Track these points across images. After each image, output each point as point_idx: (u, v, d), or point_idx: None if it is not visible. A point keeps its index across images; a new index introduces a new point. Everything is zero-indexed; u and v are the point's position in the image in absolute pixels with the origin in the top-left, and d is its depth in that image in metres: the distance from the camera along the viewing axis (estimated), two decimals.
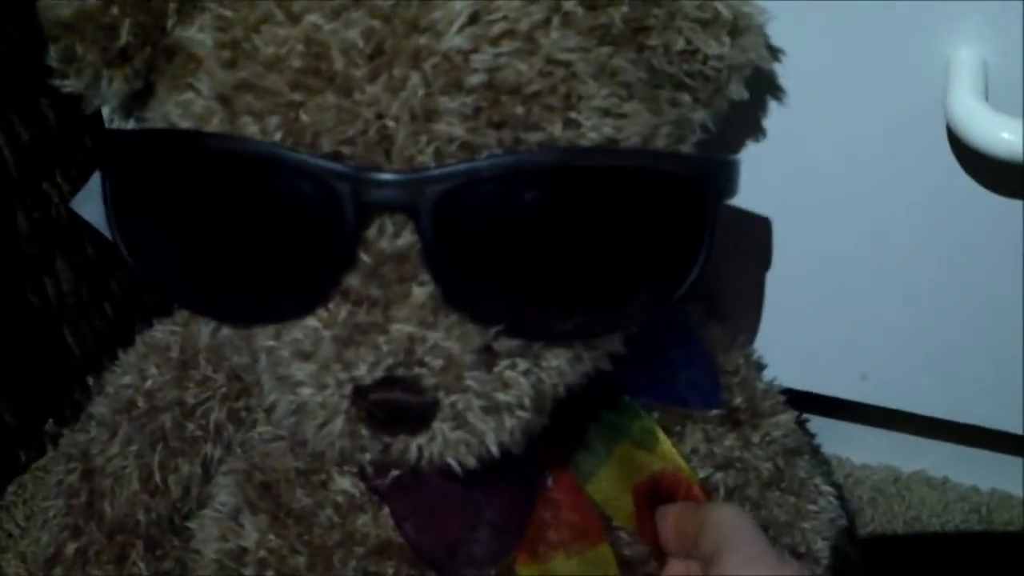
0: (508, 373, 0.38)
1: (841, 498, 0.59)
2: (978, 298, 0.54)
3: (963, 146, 0.44)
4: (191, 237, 0.39)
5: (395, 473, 0.44)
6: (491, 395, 0.38)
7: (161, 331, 0.54)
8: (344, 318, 0.37)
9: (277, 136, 0.36)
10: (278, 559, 0.47)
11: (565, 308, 0.39)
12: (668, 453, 0.49)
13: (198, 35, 0.38)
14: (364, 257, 0.37)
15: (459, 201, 0.36)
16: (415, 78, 0.36)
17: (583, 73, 0.38)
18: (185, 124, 0.38)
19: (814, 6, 0.45)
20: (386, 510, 0.46)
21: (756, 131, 0.51)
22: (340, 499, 0.47)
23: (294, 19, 0.37)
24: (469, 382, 0.37)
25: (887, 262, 0.54)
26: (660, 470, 0.48)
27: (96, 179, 0.72)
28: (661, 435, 0.49)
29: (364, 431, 0.38)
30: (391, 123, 0.36)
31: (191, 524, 0.52)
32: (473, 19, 0.36)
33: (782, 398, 0.56)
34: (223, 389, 0.51)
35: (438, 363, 0.37)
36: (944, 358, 0.58)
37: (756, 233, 0.56)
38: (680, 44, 0.40)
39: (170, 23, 0.39)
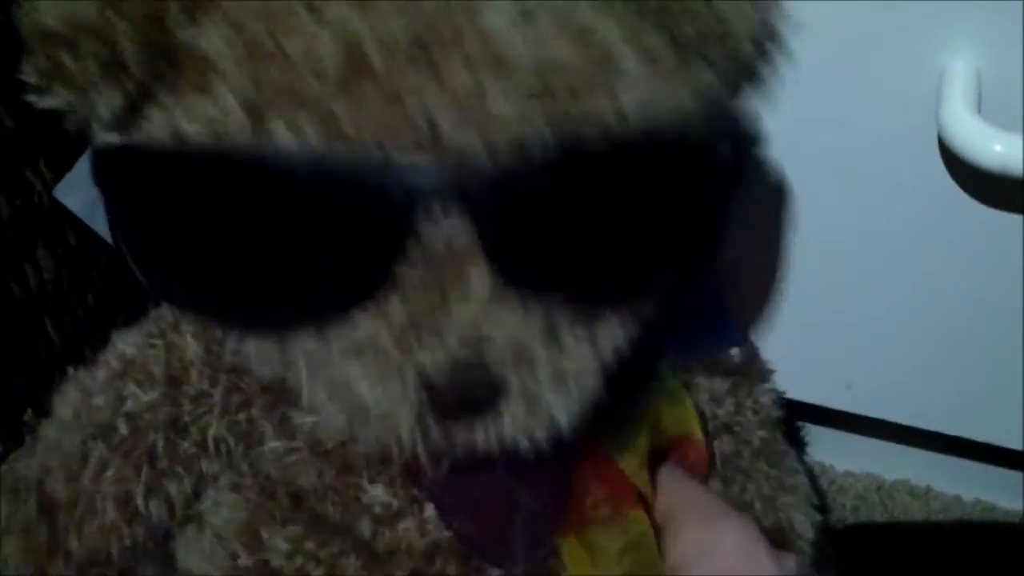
0: (571, 344, 0.38)
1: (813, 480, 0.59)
2: (965, 310, 0.54)
3: (955, 158, 0.44)
4: (224, 252, 0.37)
5: (439, 470, 0.41)
6: (558, 366, 0.37)
7: (134, 346, 0.50)
8: (401, 310, 0.36)
9: (314, 138, 0.34)
10: (327, 565, 0.45)
11: (616, 274, 0.39)
12: (690, 413, 0.49)
13: (209, 36, 0.35)
14: (417, 246, 0.35)
15: (511, 183, 0.35)
16: (457, 63, 0.34)
17: (618, 44, 0.37)
18: (197, 132, 0.35)
19: (807, 16, 0.44)
20: (428, 512, 0.45)
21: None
22: (378, 509, 0.45)
23: (320, 13, 0.35)
24: (536, 358, 0.37)
25: (875, 272, 0.54)
26: (678, 436, 0.48)
27: (80, 167, 0.71)
28: (687, 394, 0.49)
29: (431, 421, 0.37)
30: (437, 112, 0.34)
31: (174, 546, 0.49)
32: None
33: (768, 363, 0.55)
34: (221, 403, 0.48)
35: (505, 343, 0.36)
36: (929, 369, 0.58)
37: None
38: (706, 22, 0.39)
39: (174, 25, 0.36)
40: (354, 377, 0.37)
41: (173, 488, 0.48)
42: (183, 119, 0.36)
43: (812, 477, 0.59)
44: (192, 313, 0.43)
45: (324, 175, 0.34)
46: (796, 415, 0.65)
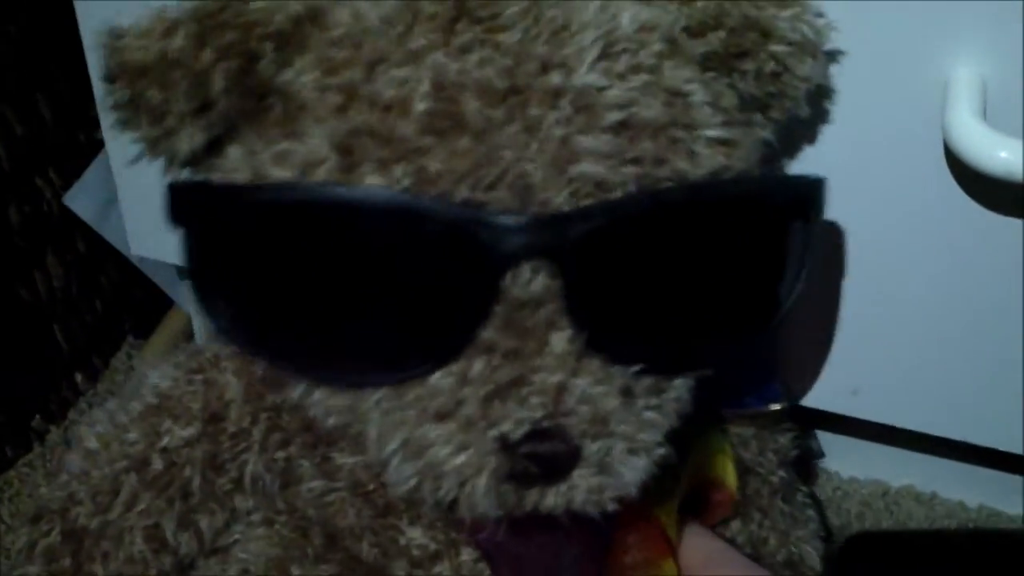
0: (647, 413, 0.38)
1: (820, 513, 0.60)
2: (970, 315, 0.54)
3: (960, 164, 0.44)
4: (304, 298, 0.36)
5: (493, 527, 0.41)
6: (634, 437, 0.37)
7: (170, 382, 0.49)
8: (482, 372, 0.35)
9: (405, 184, 0.34)
10: None
11: (695, 339, 0.39)
12: (728, 465, 0.49)
13: (301, 79, 0.35)
14: (499, 306, 0.35)
15: (599, 241, 0.34)
16: (551, 118, 0.34)
17: (698, 103, 0.37)
18: (283, 175, 0.35)
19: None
20: (464, 556, 0.44)
21: None
22: (416, 552, 0.45)
23: (415, 58, 0.34)
24: (614, 427, 0.36)
25: (881, 278, 0.54)
26: (711, 480, 0.49)
27: (89, 175, 0.72)
28: (729, 448, 0.50)
29: (506, 487, 0.36)
30: (529, 166, 0.34)
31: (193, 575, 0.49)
32: (602, 54, 0.35)
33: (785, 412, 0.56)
34: (259, 441, 0.48)
35: (585, 410, 0.36)
36: (935, 374, 0.58)
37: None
38: (771, 66, 0.40)
39: (267, 66, 0.36)
40: (432, 439, 0.36)
41: (204, 522, 0.48)
42: (271, 162, 0.35)
43: (819, 504, 0.60)
44: (262, 360, 0.43)
45: (411, 224, 0.34)
46: (801, 420, 0.66)
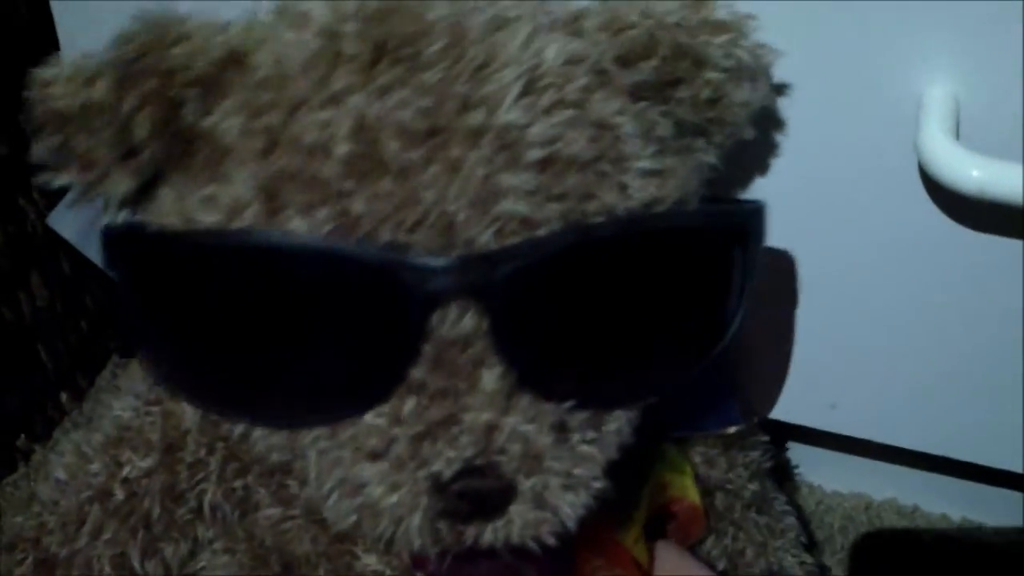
0: (582, 447, 0.37)
1: (801, 519, 0.61)
2: (949, 330, 0.54)
3: (934, 182, 0.44)
4: (232, 341, 0.36)
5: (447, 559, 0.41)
6: (570, 472, 0.37)
7: (131, 412, 0.49)
8: (412, 412, 0.35)
9: (327, 228, 0.34)
10: None
11: (630, 373, 0.39)
12: (689, 480, 0.50)
13: (224, 123, 0.35)
14: (428, 346, 0.35)
15: (525, 279, 0.34)
16: (474, 157, 0.34)
17: (628, 135, 0.37)
18: (209, 219, 0.35)
19: (785, 42, 0.45)
20: None
21: (728, 161, 0.51)
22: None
23: (336, 100, 0.34)
24: (547, 463, 0.36)
25: (857, 293, 0.55)
26: (672, 498, 0.49)
27: (73, 195, 0.72)
28: (689, 468, 0.50)
29: (442, 524, 0.36)
30: (452, 206, 0.34)
31: None
32: (525, 90, 0.35)
33: (755, 418, 0.57)
34: (217, 471, 0.48)
35: (517, 448, 0.36)
36: (914, 389, 0.58)
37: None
38: (707, 93, 0.40)
39: (190, 110, 0.36)
40: (366, 479, 0.36)
41: (169, 551, 0.49)
42: (198, 206, 0.36)
43: (800, 512, 0.62)
44: (196, 404, 0.43)
45: (336, 267, 0.34)
46: (782, 435, 0.66)
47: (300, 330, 0.35)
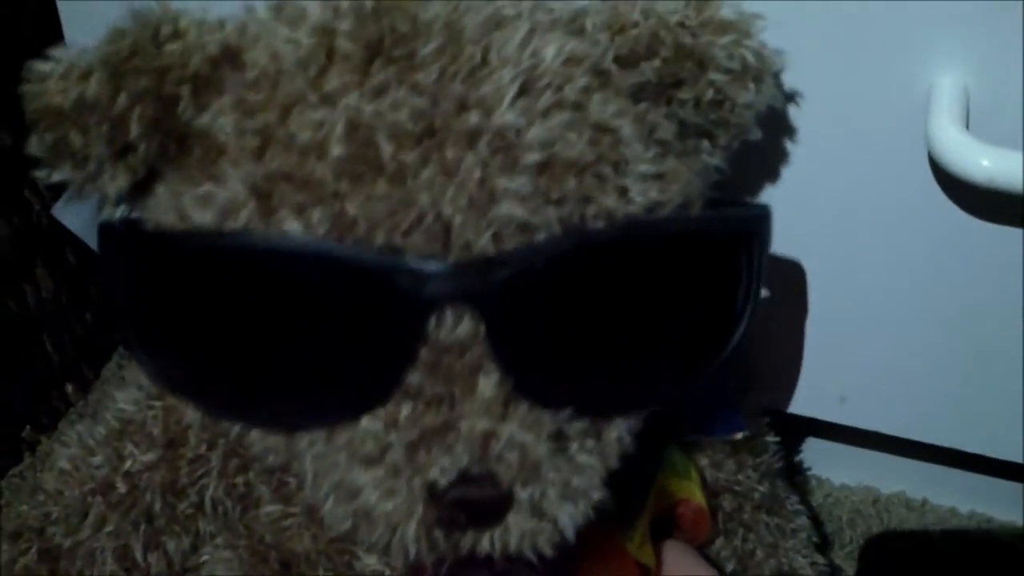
0: (580, 457, 0.37)
1: (814, 518, 0.60)
2: (957, 322, 0.54)
3: (944, 172, 0.44)
4: (228, 343, 0.36)
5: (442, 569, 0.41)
6: (568, 482, 0.36)
7: (133, 406, 0.49)
8: (409, 418, 0.35)
9: (322, 230, 0.33)
10: None
11: (630, 380, 0.38)
12: (695, 483, 0.50)
13: (218, 121, 0.35)
14: (425, 351, 0.34)
15: (522, 285, 0.34)
16: (470, 159, 0.33)
17: (628, 137, 0.36)
18: (204, 218, 0.35)
19: (795, 34, 0.45)
20: None
21: (737, 155, 0.51)
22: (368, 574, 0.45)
23: (329, 101, 0.34)
24: (544, 472, 0.36)
25: (867, 285, 0.54)
26: (677, 503, 0.49)
27: (70, 192, 0.71)
28: (694, 468, 0.50)
29: (438, 532, 0.36)
30: (448, 209, 0.33)
31: None
32: (522, 91, 0.34)
33: (765, 419, 0.56)
34: (218, 467, 0.48)
35: (514, 456, 0.35)
36: (923, 381, 0.58)
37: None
38: (710, 95, 0.39)
39: (184, 109, 0.35)
40: (362, 486, 0.36)
41: (171, 544, 0.49)
42: (193, 205, 0.35)
43: (812, 512, 0.61)
44: (189, 403, 0.43)
45: (331, 270, 0.33)
46: (791, 428, 0.66)
47: (294, 333, 0.35)
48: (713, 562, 0.53)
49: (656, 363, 0.38)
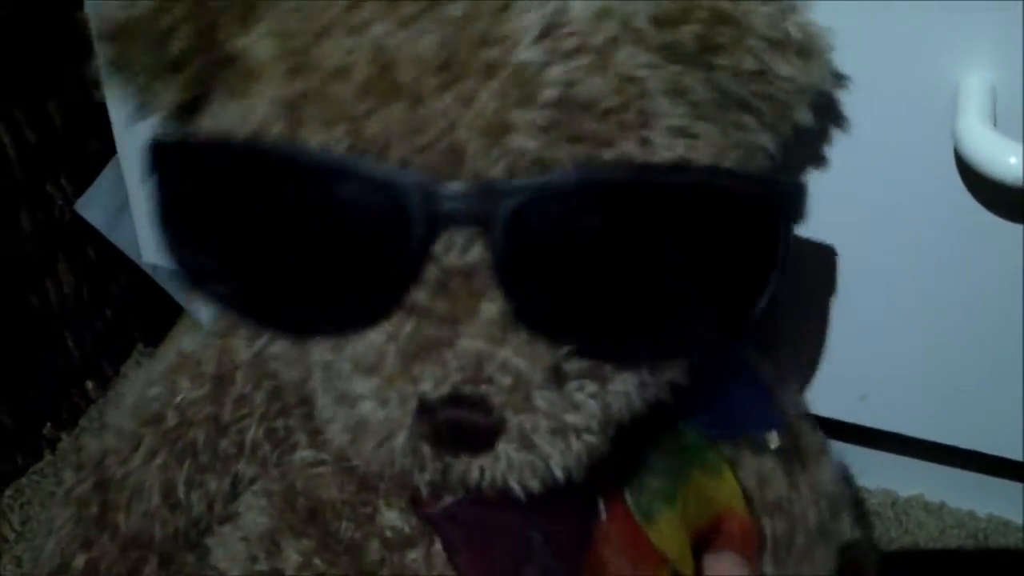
0: (577, 395, 0.37)
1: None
2: (981, 323, 0.54)
3: (971, 171, 0.44)
4: (251, 247, 0.38)
5: (448, 501, 0.42)
6: (560, 417, 0.37)
7: (195, 343, 0.51)
8: (410, 332, 0.36)
9: (343, 146, 0.35)
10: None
11: (636, 330, 0.38)
12: (732, 487, 0.48)
13: (257, 44, 0.37)
14: (433, 271, 0.35)
15: (531, 215, 0.34)
16: (487, 91, 0.34)
17: (655, 91, 0.36)
18: (241, 133, 0.37)
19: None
20: (437, 546, 0.44)
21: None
22: (389, 533, 0.45)
23: (360, 29, 0.35)
24: (538, 402, 0.36)
25: (891, 284, 0.54)
26: (721, 512, 0.47)
27: (101, 182, 0.72)
28: (726, 468, 0.48)
29: (426, 450, 0.37)
30: (462, 135, 0.34)
31: (208, 541, 0.50)
32: (545, 33, 0.35)
33: (826, 441, 0.54)
34: (261, 408, 0.49)
35: (506, 381, 0.36)
36: (944, 382, 0.58)
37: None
38: (750, 64, 0.39)
39: (227, 31, 0.38)
40: (359, 394, 0.37)
41: (213, 484, 0.49)
42: (231, 122, 0.37)
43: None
44: (219, 305, 0.44)
45: (346, 180, 0.35)
46: None
47: (311, 241, 0.36)
48: None
49: (663, 317, 0.38)
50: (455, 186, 0.34)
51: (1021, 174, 0.42)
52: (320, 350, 0.38)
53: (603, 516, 0.44)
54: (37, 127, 0.65)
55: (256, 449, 0.49)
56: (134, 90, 0.40)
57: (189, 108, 0.40)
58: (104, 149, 0.71)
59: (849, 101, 0.48)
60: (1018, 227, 0.49)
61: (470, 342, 0.35)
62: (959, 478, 0.70)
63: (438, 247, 0.35)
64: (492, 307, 0.36)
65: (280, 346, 0.40)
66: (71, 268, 0.72)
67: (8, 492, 0.69)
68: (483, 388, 0.36)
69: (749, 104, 0.40)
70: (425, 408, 0.36)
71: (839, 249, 0.54)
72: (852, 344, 0.57)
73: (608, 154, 0.35)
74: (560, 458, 0.37)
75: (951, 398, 0.58)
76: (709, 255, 0.38)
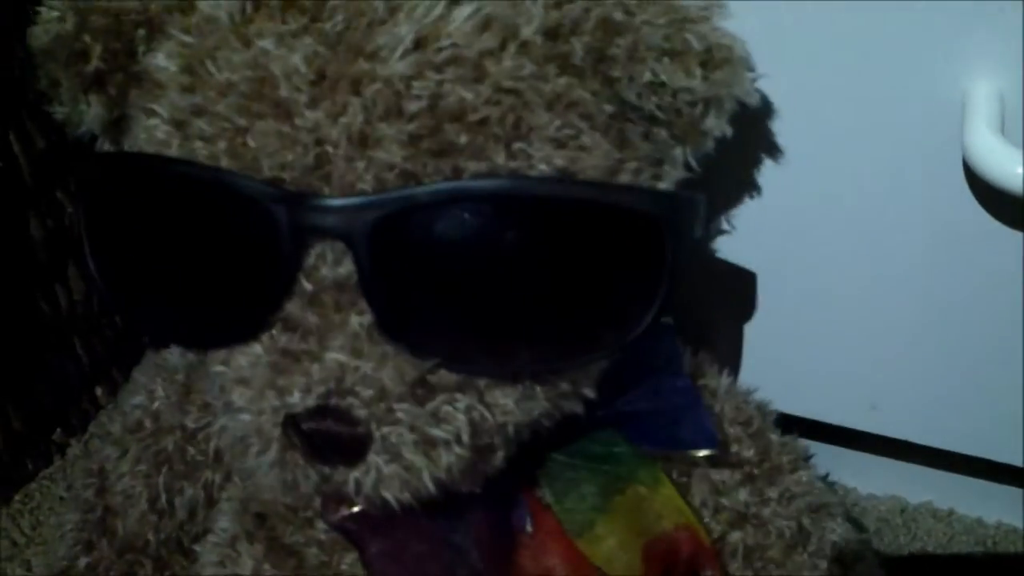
0: (444, 408, 0.37)
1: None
2: (990, 331, 0.54)
3: (979, 180, 0.44)
4: (148, 260, 0.40)
5: (348, 511, 0.43)
6: (424, 429, 0.37)
7: (173, 352, 0.53)
8: (282, 345, 0.37)
9: (224, 161, 0.36)
10: None
11: (507, 344, 0.38)
12: (672, 499, 0.47)
13: (163, 61, 0.38)
14: (305, 284, 0.37)
15: (395, 228, 0.35)
16: (355, 104, 0.35)
17: (534, 103, 0.37)
18: (149, 150, 0.38)
19: (828, 39, 0.45)
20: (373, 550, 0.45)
21: (773, 159, 0.51)
22: (324, 537, 0.46)
23: (246, 44, 0.37)
24: (399, 415, 0.37)
25: (900, 294, 0.54)
26: (673, 529, 0.46)
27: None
28: (664, 479, 0.47)
29: (298, 460, 0.38)
30: (330, 148, 0.36)
31: (196, 547, 0.51)
32: (418, 45, 0.36)
33: (803, 453, 0.53)
34: None
35: (368, 393, 0.36)
36: (953, 390, 0.58)
37: (741, 286, 0.56)
38: (646, 76, 0.38)
39: (139, 50, 0.40)
40: (237, 405, 0.38)
41: (190, 491, 0.52)
42: (142, 136, 0.39)
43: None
44: (123, 317, 0.46)
45: (224, 199, 0.36)
46: (818, 436, 0.66)
47: (194, 255, 0.38)
48: None
49: (537, 331, 0.38)
50: (320, 200, 0.35)
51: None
52: (215, 361, 0.39)
53: (528, 528, 0.45)
54: (47, 134, 0.65)
55: (220, 457, 0.51)
56: (65, 109, 0.42)
57: (118, 126, 0.42)
58: None
59: (857, 109, 0.48)
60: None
61: (335, 355, 0.36)
62: (968, 485, 0.70)
63: (310, 260, 0.36)
64: (359, 320, 0.37)
65: (192, 357, 0.42)
66: (82, 275, 0.72)
67: (18, 497, 0.69)
68: (347, 400, 0.36)
69: (656, 117, 0.40)
70: (292, 420, 0.37)
71: (847, 257, 0.54)
72: (862, 353, 0.57)
73: (475, 166, 0.36)
74: (428, 471, 0.38)
75: (960, 406, 0.58)
76: (584, 268, 0.38)
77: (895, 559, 0.68)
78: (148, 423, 0.52)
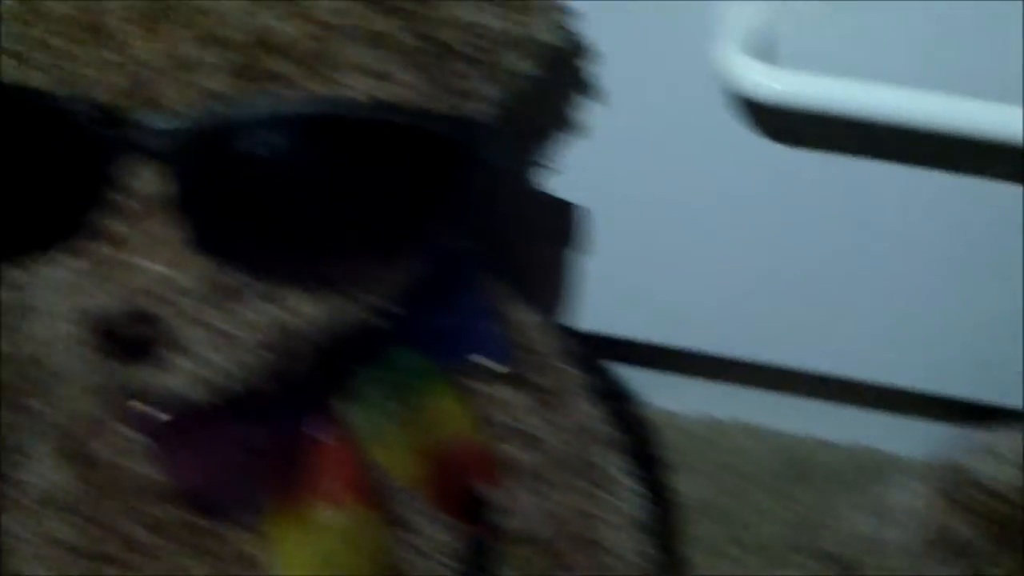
0: (248, 313, 0.40)
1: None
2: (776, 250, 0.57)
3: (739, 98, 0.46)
4: None
5: (150, 412, 0.44)
6: (228, 332, 0.39)
7: None
8: (96, 254, 0.38)
9: (56, 88, 0.38)
10: (78, 500, 0.48)
11: (314, 258, 0.41)
12: (459, 412, 0.49)
13: (5, 4, 0.39)
14: (122, 199, 0.38)
15: (210, 147, 0.37)
16: (178, 34, 0.37)
17: (350, 36, 0.39)
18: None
19: None
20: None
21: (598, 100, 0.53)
22: (121, 442, 0.48)
23: None
24: (204, 318, 0.39)
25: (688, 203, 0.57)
26: (458, 441, 0.48)
27: None
28: (454, 394, 0.49)
29: (101, 362, 0.39)
30: (153, 76, 0.37)
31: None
32: None
33: (591, 384, 0.54)
34: None
35: (175, 299, 0.38)
36: (759, 300, 0.61)
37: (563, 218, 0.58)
38: (459, 13, 0.41)
39: None
40: (46, 309, 0.40)
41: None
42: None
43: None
44: None
45: (53, 119, 0.38)
46: (627, 358, 0.67)
47: (24, 171, 0.40)
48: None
49: (336, 247, 0.41)
50: (138, 118, 0.37)
51: (783, 99, 0.45)
52: (28, 272, 0.41)
53: (320, 435, 0.46)
54: None
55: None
56: None
57: None
58: None
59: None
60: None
61: (145, 263, 0.38)
62: (777, 401, 0.72)
63: (129, 176, 0.38)
64: (172, 233, 0.38)
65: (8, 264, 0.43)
66: None
67: None
68: (153, 306, 0.38)
69: (466, 54, 0.42)
70: (98, 323, 0.38)
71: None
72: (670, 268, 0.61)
73: (293, 95, 0.38)
74: (225, 368, 0.39)
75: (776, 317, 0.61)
76: (385, 188, 0.40)
77: None
78: None
